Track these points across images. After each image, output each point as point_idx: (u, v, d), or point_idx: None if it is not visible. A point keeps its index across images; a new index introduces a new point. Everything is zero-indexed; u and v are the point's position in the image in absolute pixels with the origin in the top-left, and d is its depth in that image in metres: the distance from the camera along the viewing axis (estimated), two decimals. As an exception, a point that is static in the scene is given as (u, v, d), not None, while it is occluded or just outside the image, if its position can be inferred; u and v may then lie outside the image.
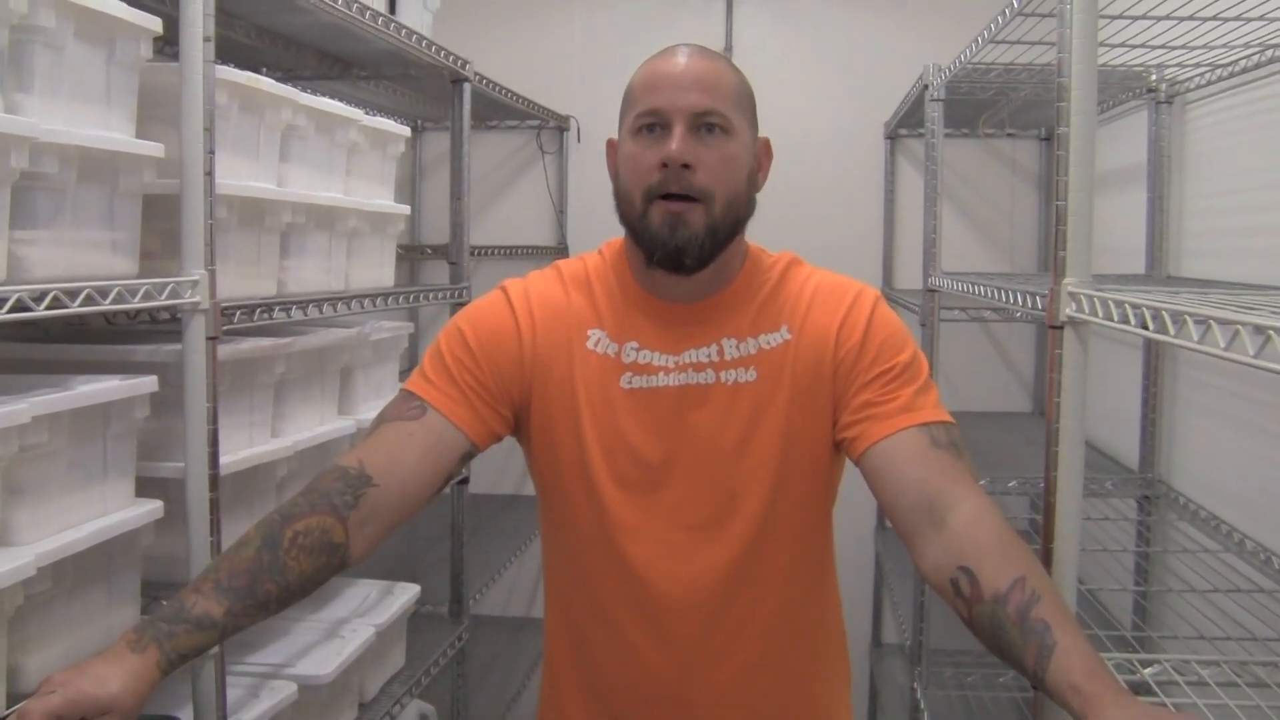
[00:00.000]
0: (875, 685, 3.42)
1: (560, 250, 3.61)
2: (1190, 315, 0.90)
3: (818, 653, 1.42)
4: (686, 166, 1.24)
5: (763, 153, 1.36)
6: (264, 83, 1.73)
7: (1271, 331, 0.74)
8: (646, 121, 1.27)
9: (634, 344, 1.32)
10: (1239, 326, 0.79)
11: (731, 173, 1.27)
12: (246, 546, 1.15)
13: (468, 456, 1.31)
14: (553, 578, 1.43)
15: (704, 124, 1.26)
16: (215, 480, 1.49)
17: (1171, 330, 0.94)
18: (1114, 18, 1.82)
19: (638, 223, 1.28)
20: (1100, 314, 1.15)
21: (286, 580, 1.14)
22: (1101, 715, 0.92)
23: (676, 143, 1.24)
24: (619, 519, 1.31)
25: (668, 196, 1.25)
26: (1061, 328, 1.27)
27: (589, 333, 1.33)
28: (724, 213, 1.27)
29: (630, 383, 1.31)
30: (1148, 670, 1.29)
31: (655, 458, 1.31)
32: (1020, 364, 3.53)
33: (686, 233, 1.25)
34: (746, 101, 1.32)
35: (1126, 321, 1.06)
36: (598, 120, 3.56)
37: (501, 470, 3.55)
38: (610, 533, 1.31)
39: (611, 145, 1.37)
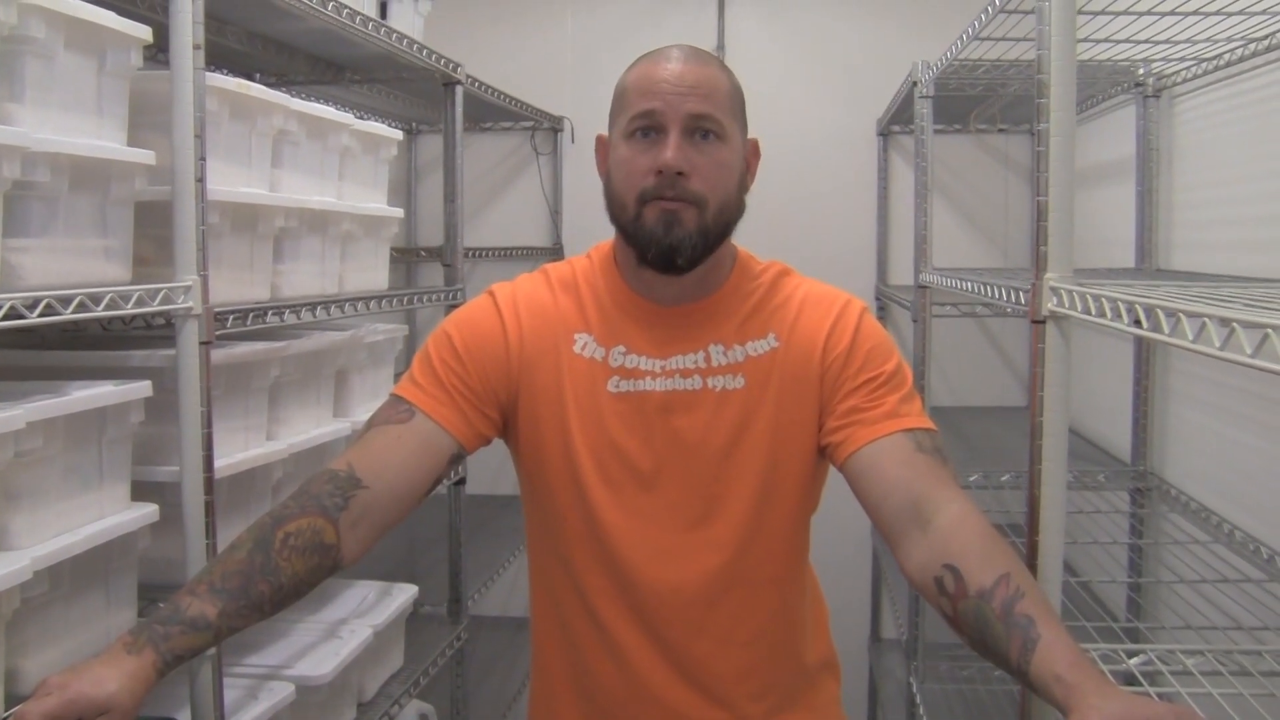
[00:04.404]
0: (874, 680, 3.43)
1: (555, 251, 3.62)
2: (1162, 309, 0.91)
3: (806, 652, 1.43)
4: (681, 174, 1.25)
5: (751, 154, 1.36)
6: (254, 89, 1.75)
7: (1235, 324, 0.75)
8: (641, 125, 1.27)
9: (621, 348, 1.33)
10: (1205, 320, 0.80)
11: (725, 178, 1.29)
12: (239, 549, 1.16)
13: (456, 459, 1.32)
14: (540, 579, 1.44)
15: (699, 129, 1.26)
16: (210, 483, 1.50)
17: (1145, 324, 0.95)
18: (1098, 13, 1.83)
19: (630, 224, 1.29)
20: (1080, 308, 1.16)
21: (279, 581, 1.15)
22: (1084, 703, 0.93)
23: (672, 151, 1.25)
24: (607, 521, 1.32)
25: (661, 198, 1.26)
26: (1044, 322, 1.28)
27: (576, 336, 1.35)
28: (716, 217, 1.28)
29: (618, 386, 1.32)
30: (1133, 660, 1.31)
31: (643, 461, 1.32)
32: (1015, 358, 3.53)
33: (681, 232, 1.26)
34: (738, 105, 1.33)
35: (1104, 316, 1.07)
36: (591, 121, 3.56)
37: (499, 471, 3.53)
38: (599, 535, 1.32)
39: (601, 141, 1.37)
